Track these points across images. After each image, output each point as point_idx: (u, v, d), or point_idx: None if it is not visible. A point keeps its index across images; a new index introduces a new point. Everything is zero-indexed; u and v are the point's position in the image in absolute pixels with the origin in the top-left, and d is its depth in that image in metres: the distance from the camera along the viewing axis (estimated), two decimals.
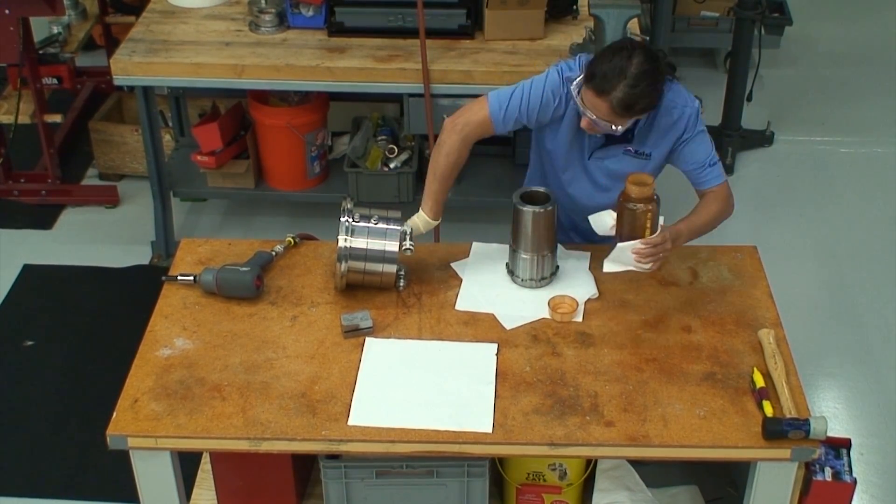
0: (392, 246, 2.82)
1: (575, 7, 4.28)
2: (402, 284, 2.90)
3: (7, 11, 4.39)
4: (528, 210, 2.83)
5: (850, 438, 2.65)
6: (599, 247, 3.10)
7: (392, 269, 2.85)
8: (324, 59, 4.04)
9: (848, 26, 6.45)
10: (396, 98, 4.50)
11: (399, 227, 2.84)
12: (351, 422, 2.51)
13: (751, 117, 5.30)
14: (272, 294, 2.90)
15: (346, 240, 2.80)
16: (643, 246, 2.70)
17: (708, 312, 2.84)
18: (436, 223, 2.93)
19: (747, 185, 5.14)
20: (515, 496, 2.86)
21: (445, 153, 2.87)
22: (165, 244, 4.54)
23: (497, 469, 2.81)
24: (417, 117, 4.08)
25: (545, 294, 2.87)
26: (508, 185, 3.81)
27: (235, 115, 4.54)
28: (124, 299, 4.33)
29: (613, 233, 2.76)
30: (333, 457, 2.63)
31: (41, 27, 4.97)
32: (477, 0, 4.12)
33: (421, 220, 2.91)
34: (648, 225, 2.70)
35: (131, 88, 4.50)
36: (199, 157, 4.43)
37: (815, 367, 3.98)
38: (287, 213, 4.83)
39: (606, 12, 3.85)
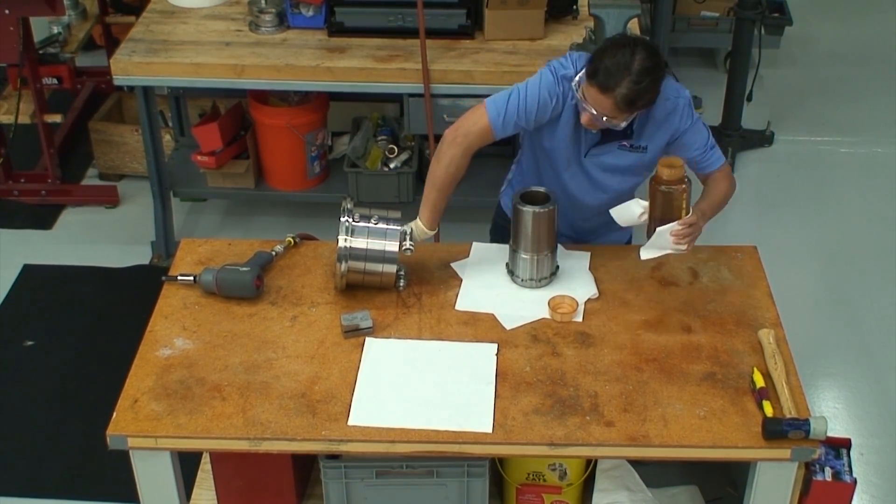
0: (392, 246, 2.82)
1: (575, 7, 4.28)
2: (402, 284, 2.90)
3: (7, 11, 4.39)
4: (528, 210, 2.83)
5: (850, 438, 2.65)
6: (599, 247, 3.10)
7: (392, 269, 2.85)
8: (324, 59, 4.04)
9: (848, 26, 6.45)
10: (396, 98, 4.50)
11: (399, 227, 2.84)
12: (351, 422, 2.51)
13: (751, 117, 5.30)
14: (272, 294, 2.90)
15: (346, 240, 2.80)
16: (681, 227, 2.72)
17: (708, 312, 2.84)
18: (432, 233, 2.92)
19: (747, 185, 5.13)
20: (515, 496, 2.86)
21: (445, 165, 2.86)
22: (165, 244, 4.54)
23: (497, 469, 2.81)
24: (417, 117, 4.08)
25: (545, 294, 2.87)
26: None
27: (235, 115, 4.54)
28: (124, 299, 4.33)
29: (640, 221, 2.78)
30: (333, 457, 2.63)
31: (41, 27, 4.97)
32: (477, 0, 4.12)
33: (417, 228, 2.90)
34: (684, 205, 2.73)
35: (131, 88, 4.50)
36: (199, 157, 4.43)
37: (815, 367, 3.98)
38: (287, 213, 4.83)
39: (606, 12, 3.85)
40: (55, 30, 5.06)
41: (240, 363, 2.67)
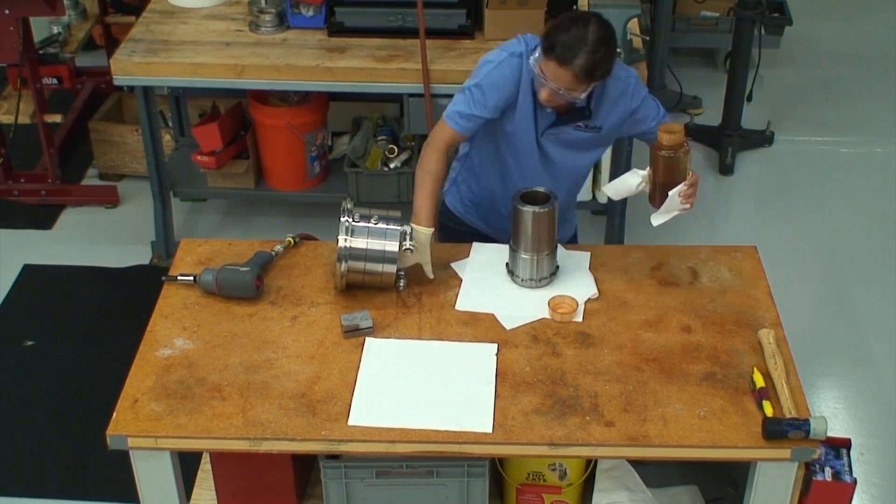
0: (392, 246, 2.81)
1: (575, 7, 4.28)
2: (402, 284, 2.90)
3: (7, 11, 4.39)
4: (528, 210, 2.83)
5: (850, 438, 2.65)
6: (599, 246, 3.11)
7: (392, 269, 2.85)
8: (324, 59, 4.04)
9: (848, 26, 6.45)
10: (396, 98, 4.50)
11: (399, 227, 2.83)
12: (351, 422, 2.51)
13: (751, 117, 5.30)
14: (272, 294, 2.90)
15: (346, 240, 2.80)
16: (687, 187, 2.82)
17: (708, 312, 2.84)
18: (431, 230, 2.91)
19: (747, 185, 5.14)
20: (515, 496, 2.86)
21: (426, 168, 2.93)
22: (165, 244, 4.54)
23: (497, 469, 2.81)
24: (417, 117, 4.08)
25: (545, 294, 2.87)
26: None
27: (235, 115, 4.54)
28: (124, 299, 4.33)
29: (637, 191, 2.89)
30: (333, 457, 2.63)
31: (41, 27, 4.98)
32: (477, 0, 4.12)
33: (417, 232, 2.87)
34: (688, 166, 2.82)
35: (131, 88, 4.50)
36: (199, 157, 4.43)
37: (815, 367, 3.98)
38: (287, 213, 4.84)
39: (606, 12, 3.83)
40: (55, 30, 5.06)
41: (240, 363, 2.67)
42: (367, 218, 2.83)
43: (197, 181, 4.59)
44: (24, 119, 4.69)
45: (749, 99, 5.28)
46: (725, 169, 5.16)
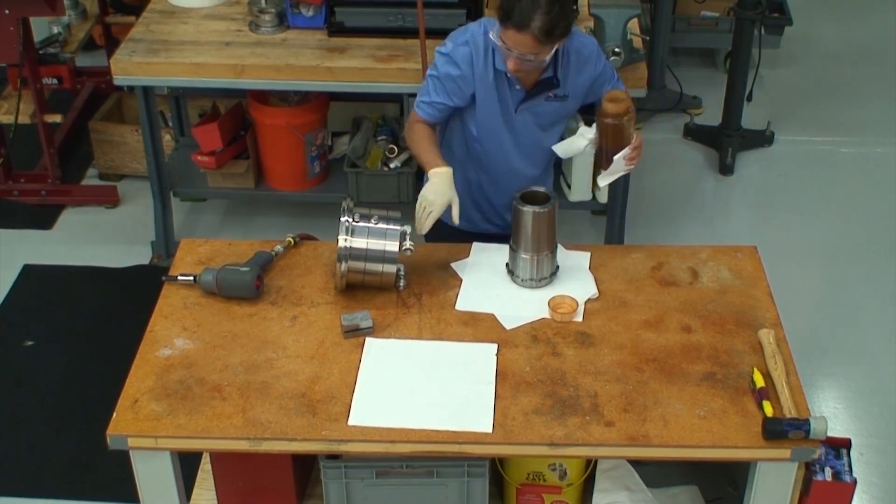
0: (392, 246, 2.81)
1: (575, 7, 4.27)
2: (402, 284, 2.90)
3: (7, 11, 4.39)
4: (528, 210, 2.84)
5: (850, 438, 2.65)
6: (599, 246, 3.10)
7: (392, 269, 2.85)
8: (324, 59, 4.04)
9: (848, 26, 6.45)
10: (396, 98, 4.50)
11: (399, 227, 2.83)
12: (351, 422, 2.51)
13: (751, 117, 5.30)
14: (272, 294, 2.90)
15: (346, 240, 2.80)
16: (631, 150, 2.94)
17: (708, 312, 2.84)
18: (448, 169, 2.95)
19: (747, 185, 5.14)
20: (515, 496, 2.86)
21: (415, 135, 3.08)
22: (165, 244, 4.54)
23: (497, 469, 2.82)
24: None
25: (545, 294, 2.87)
26: None
27: (235, 115, 4.54)
28: (124, 299, 4.33)
29: (584, 152, 3.07)
30: (333, 457, 2.63)
31: (41, 27, 4.98)
32: (477, 0, 4.12)
33: (439, 175, 2.92)
34: (632, 131, 2.94)
35: (131, 88, 4.50)
36: (199, 157, 4.43)
37: (815, 367, 3.98)
38: (287, 213, 4.84)
39: (606, 12, 3.86)
40: (55, 30, 5.06)
41: (240, 363, 2.67)
42: (367, 218, 2.83)
43: (197, 181, 4.59)
44: (24, 119, 4.69)
45: (749, 99, 5.28)
46: (725, 169, 5.16)
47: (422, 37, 3.91)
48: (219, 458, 2.80)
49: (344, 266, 2.80)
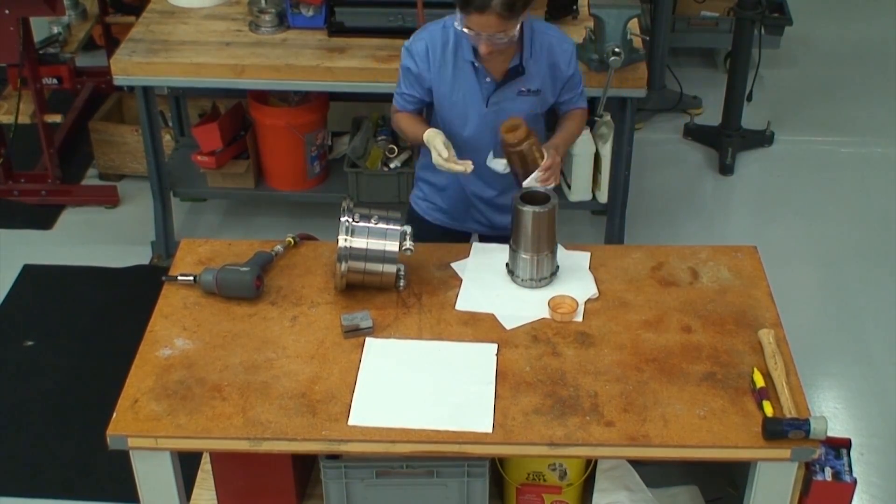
0: (392, 246, 2.81)
1: (575, 7, 4.28)
2: (402, 284, 2.90)
3: (7, 11, 4.39)
4: (528, 210, 2.84)
5: (850, 438, 2.65)
6: (600, 246, 3.11)
7: (392, 269, 2.85)
8: (324, 59, 4.04)
9: (848, 26, 6.45)
10: None
11: (399, 227, 2.83)
12: (351, 422, 2.51)
13: (751, 117, 5.30)
14: (272, 294, 2.90)
15: (346, 240, 2.80)
16: (542, 173, 2.93)
17: (708, 312, 2.84)
18: (436, 130, 3.05)
19: (747, 185, 5.14)
20: (515, 496, 2.86)
21: (401, 122, 3.17)
22: (165, 244, 4.54)
23: (497, 469, 2.81)
24: None
25: (545, 294, 2.87)
26: None
27: (235, 115, 4.54)
28: (124, 299, 4.33)
29: (507, 172, 3.04)
30: (333, 457, 2.63)
31: (41, 27, 4.98)
32: None
33: (431, 135, 3.01)
34: (538, 154, 2.94)
35: (131, 88, 4.50)
36: (199, 157, 4.43)
37: (815, 367, 3.98)
38: (287, 213, 4.84)
39: (606, 12, 3.85)
40: (55, 30, 5.06)
41: (240, 363, 2.67)
42: (367, 218, 2.83)
43: (197, 181, 4.59)
44: (24, 119, 4.69)
45: (749, 99, 5.28)
46: (725, 169, 5.15)
47: None
48: (219, 458, 2.80)
49: (344, 266, 2.80)
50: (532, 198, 2.87)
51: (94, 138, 4.96)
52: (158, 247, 4.57)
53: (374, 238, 2.81)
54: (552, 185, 2.94)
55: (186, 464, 2.71)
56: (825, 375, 4.03)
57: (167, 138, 4.78)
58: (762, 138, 5.32)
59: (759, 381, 2.57)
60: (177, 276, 2.93)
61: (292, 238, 3.06)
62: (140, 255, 4.58)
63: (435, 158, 2.99)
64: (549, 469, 2.81)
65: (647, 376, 2.63)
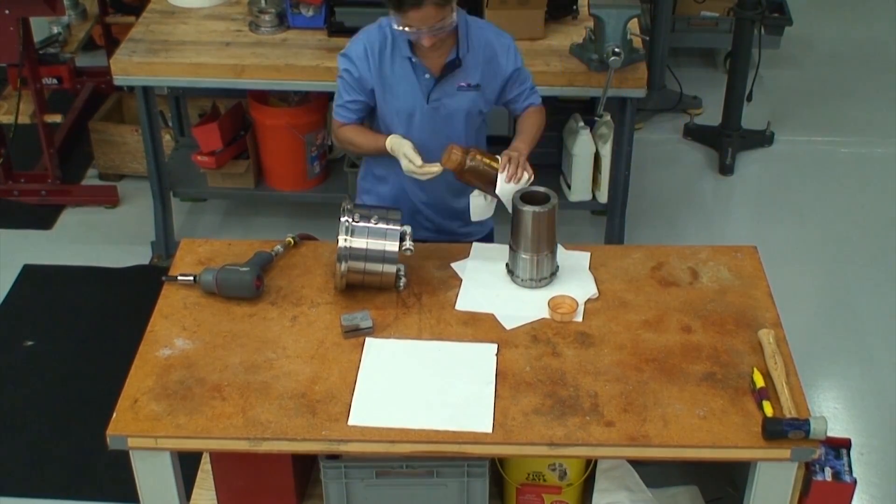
0: (392, 246, 2.82)
1: (575, 7, 4.28)
2: (402, 284, 2.90)
3: (7, 11, 4.39)
4: (528, 210, 2.84)
5: (850, 438, 2.65)
6: (600, 246, 3.11)
7: (392, 269, 2.85)
8: (324, 59, 4.04)
9: (848, 27, 6.45)
10: None
11: (399, 227, 2.84)
12: (351, 422, 2.51)
13: (751, 117, 5.30)
14: (272, 294, 2.90)
15: (346, 240, 2.80)
16: (504, 175, 2.90)
17: (708, 312, 2.84)
18: (391, 135, 3.04)
19: (747, 185, 5.14)
20: (515, 496, 2.86)
21: (346, 137, 3.13)
22: (165, 244, 4.54)
23: (497, 469, 2.81)
24: None
25: (545, 294, 2.87)
26: None
27: (235, 115, 4.54)
28: (124, 299, 4.33)
29: (491, 202, 3.01)
30: (333, 457, 2.63)
31: (41, 27, 4.97)
32: (477, 0, 4.12)
33: (391, 141, 2.99)
34: (488, 161, 2.93)
35: (131, 88, 4.50)
36: (199, 157, 4.43)
37: (815, 367, 3.98)
38: (287, 213, 4.84)
39: (606, 12, 3.85)
40: (55, 30, 5.06)
41: (240, 363, 2.67)
42: (367, 218, 2.83)
43: (197, 181, 4.59)
44: (24, 119, 4.69)
45: (749, 99, 5.28)
46: (725, 169, 5.15)
47: None
48: (219, 458, 2.80)
49: (344, 266, 2.80)
50: (532, 198, 2.87)
51: (94, 138, 4.96)
52: (158, 247, 4.57)
53: (373, 238, 2.81)
54: (527, 179, 2.91)
55: (186, 464, 2.71)
56: (825, 375, 4.03)
57: (167, 138, 4.78)
58: (762, 138, 5.32)
59: (759, 381, 2.57)
60: (177, 276, 2.93)
61: (292, 238, 3.06)
62: (140, 255, 4.58)
63: (406, 166, 2.96)
64: (549, 469, 2.81)
65: (647, 376, 2.63)
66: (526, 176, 2.92)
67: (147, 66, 4.06)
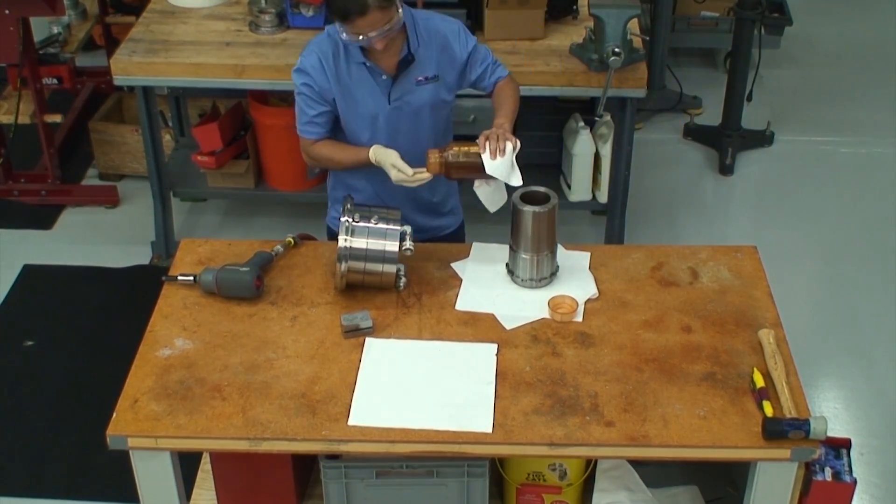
0: (392, 246, 2.82)
1: (575, 7, 4.28)
2: (402, 284, 2.90)
3: (7, 11, 4.40)
4: (528, 210, 2.83)
5: (850, 438, 2.65)
6: (600, 246, 3.10)
7: (392, 269, 2.85)
8: None
9: (848, 26, 6.45)
10: None
11: (399, 227, 2.84)
12: (351, 422, 2.51)
13: (751, 117, 5.30)
14: (272, 294, 2.90)
15: (346, 240, 2.80)
16: (487, 154, 2.85)
17: (708, 312, 2.84)
18: (374, 145, 3.00)
19: (747, 185, 5.14)
20: (515, 496, 2.86)
21: (321, 154, 3.08)
22: (165, 244, 4.54)
23: (497, 469, 2.81)
24: None
25: (545, 294, 2.87)
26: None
27: (235, 115, 4.54)
28: (124, 299, 4.33)
29: (497, 186, 2.96)
30: (333, 457, 2.63)
31: (41, 27, 4.98)
32: (477, 0, 4.12)
33: (376, 153, 2.95)
34: (467, 149, 2.88)
35: (131, 88, 4.50)
36: (199, 157, 4.43)
37: (815, 367, 3.98)
38: (287, 213, 4.84)
39: (606, 12, 3.85)
40: (55, 30, 5.06)
41: (240, 363, 2.67)
42: (367, 218, 2.83)
43: (197, 181, 4.59)
44: (24, 119, 4.69)
45: (749, 99, 5.28)
46: (725, 169, 5.16)
47: None
48: (219, 458, 2.80)
49: (344, 266, 2.80)
50: (532, 198, 2.87)
51: (94, 138, 4.96)
52: (158, 247, 4.57)
53: (374, 238, 2.81)
54: (512, 148, 2.85)
55: (186, 464, 2.71)
56: (825, 375, 4.03)
57: (167, 138, 4.78)
58: (762, 138, 5.32)
59: (759, 381, 2.57)
60: (177, 276, 2.93)
61: (292, 238, 3.06)
62: (140, 255, 4.58)
63: (396, 176, 2.91)
64: (549, 469, 2.81)
65: (647, 376, 2.63)
66: (510, 146, 2.86)
67: (147, 66, 4.06)
